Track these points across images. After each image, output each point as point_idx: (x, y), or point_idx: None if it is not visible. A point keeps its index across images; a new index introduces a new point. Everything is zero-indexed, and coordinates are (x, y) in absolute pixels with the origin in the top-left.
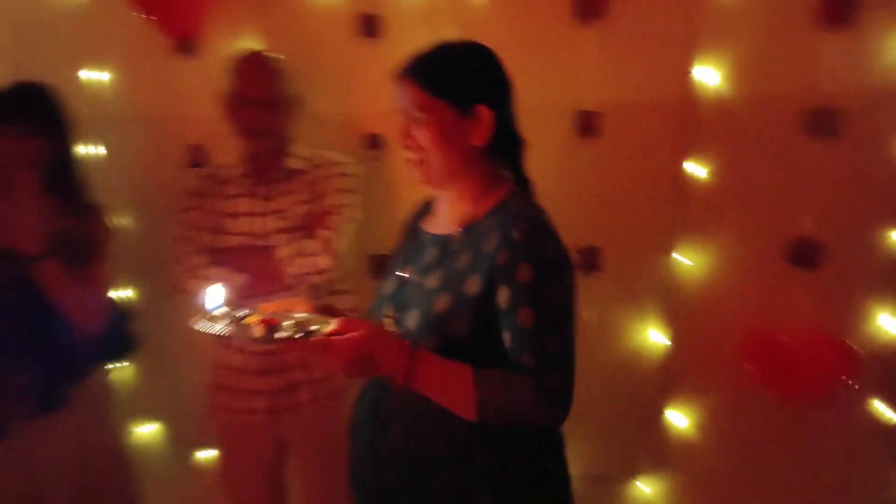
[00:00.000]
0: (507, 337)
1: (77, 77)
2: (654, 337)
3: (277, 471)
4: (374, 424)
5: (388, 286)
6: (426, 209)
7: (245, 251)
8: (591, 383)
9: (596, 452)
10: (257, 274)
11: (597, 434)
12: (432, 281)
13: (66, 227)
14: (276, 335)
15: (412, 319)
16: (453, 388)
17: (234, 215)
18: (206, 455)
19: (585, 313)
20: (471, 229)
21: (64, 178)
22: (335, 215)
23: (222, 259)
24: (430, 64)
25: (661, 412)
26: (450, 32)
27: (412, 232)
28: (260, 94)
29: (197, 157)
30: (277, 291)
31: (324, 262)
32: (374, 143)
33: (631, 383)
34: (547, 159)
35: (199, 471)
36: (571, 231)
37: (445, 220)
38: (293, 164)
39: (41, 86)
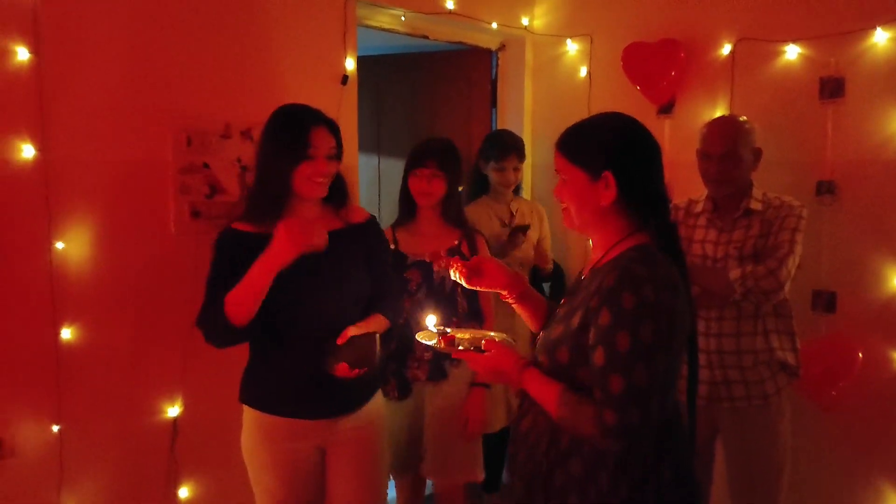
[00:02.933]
0: (591, 369)
1: None
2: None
3: (709, 449)
4: (518, 413)
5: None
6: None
7: (702, 269)
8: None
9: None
10: (708, 288)
11: None
12: (561, 311)
13: (456, 246)
14: (455, 347)
15: (541, 340)
16: (547, 401)
17: (697, 240)
18: None
19: None
20: (594, 272)
21: (455, 211)
22: (782, 250)
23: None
24: (571, 135)
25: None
26: None
27: (581, 269)
28: (716, 151)
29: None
30: (725, 304)
31: (768, 284)
32: (827, 188)
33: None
34: None
35: None
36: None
37: (592, 262)
38: (752, 204)
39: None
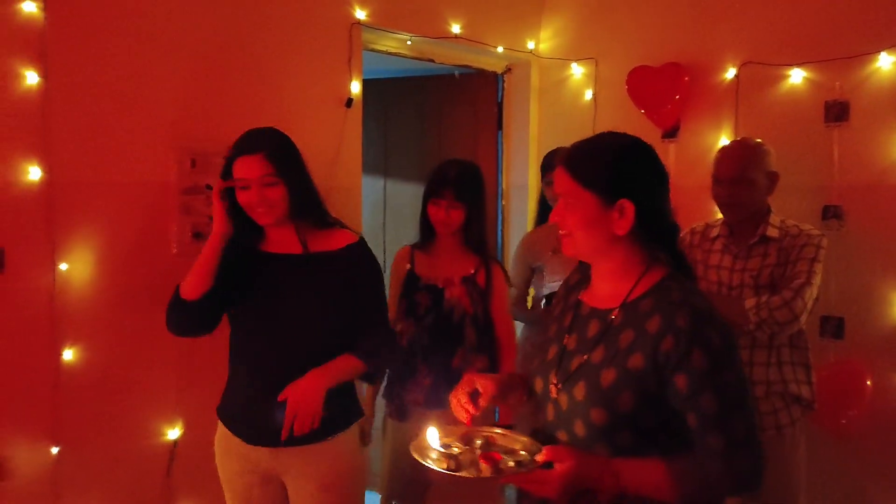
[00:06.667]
0: (691, 420)
1: None
2: None
3: None
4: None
5: (550, 352)
6: (583, 280)
7: (717, 296)
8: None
9: None
10: (723, 315)
11: None
12: (597, 355)
13: (472, 274)
14: (502, 472)
15: (580, 391)
16: (656, 489)
17: (713, 266)
18: None
19: None
20: (629, 307)
21: (477, 237)
22: (798, 280)
23: None
24: (583, 156)
25: None
26: None
27: (571, 301)
28: (726, 175)
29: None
30: (739, 333)
31: (782, 316)
32: (834, 213)
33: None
34: None
35: None
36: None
37: (602, 294)
38: (769, 231)
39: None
